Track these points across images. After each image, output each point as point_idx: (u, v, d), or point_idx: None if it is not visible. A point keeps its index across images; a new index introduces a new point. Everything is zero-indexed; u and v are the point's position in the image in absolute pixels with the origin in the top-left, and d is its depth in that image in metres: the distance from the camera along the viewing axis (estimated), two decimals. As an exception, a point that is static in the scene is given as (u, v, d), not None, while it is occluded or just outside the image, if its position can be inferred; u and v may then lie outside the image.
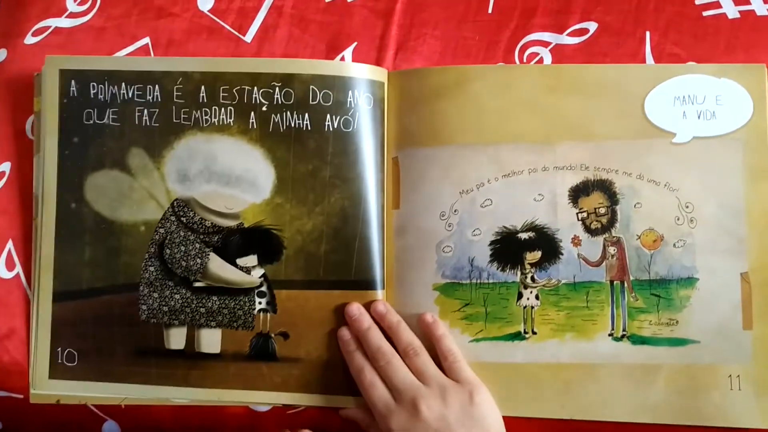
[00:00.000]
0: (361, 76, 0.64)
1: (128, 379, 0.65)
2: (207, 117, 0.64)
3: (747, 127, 0.63)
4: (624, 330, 0.63)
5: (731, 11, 0.67)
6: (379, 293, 0.64)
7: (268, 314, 0.65)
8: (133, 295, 0.64)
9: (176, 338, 0.65)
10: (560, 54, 0.67)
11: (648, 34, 0.67)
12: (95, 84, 0.65)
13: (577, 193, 0.64)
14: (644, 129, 0.63)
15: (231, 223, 0.65)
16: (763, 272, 0.62)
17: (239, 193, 0.64)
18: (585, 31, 0.68)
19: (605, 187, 0.64)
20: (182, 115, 0.65)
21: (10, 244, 0.67)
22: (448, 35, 0.69)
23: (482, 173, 0.64)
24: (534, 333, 0.63)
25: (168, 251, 0.65)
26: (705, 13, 0.67)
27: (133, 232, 0.65)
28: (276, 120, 0.64)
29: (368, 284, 0.64)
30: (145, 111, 0.65)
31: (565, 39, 0.68)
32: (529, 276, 0.64)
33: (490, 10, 0.69)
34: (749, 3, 0.67)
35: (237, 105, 0.64)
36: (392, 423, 0.58)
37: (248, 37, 0.69)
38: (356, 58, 0.68)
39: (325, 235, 0.64)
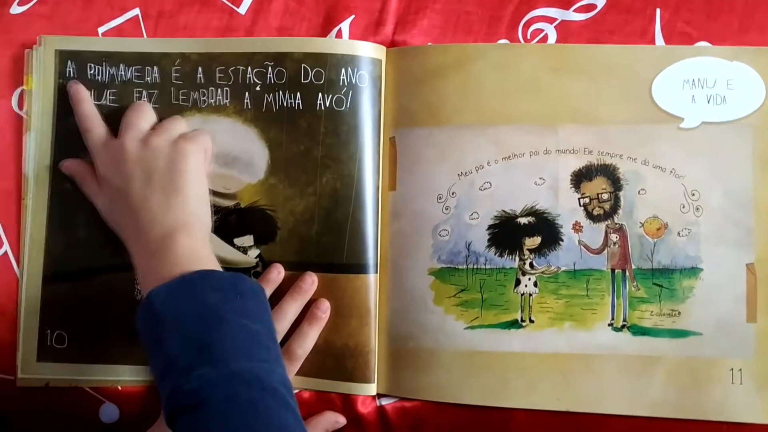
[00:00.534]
0: (355, 53, 0.63)
1: (122, 361, 0.64)
2: (204, 98, 0.64)
3: (758, 113, 0.61)
4: (624, 320, 0.61)
5: (746, -11, 0.65)
6: (371, 277, 0.63)
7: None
8: (128, 274, 0.63)
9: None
10: (566, 31, 0.65)
11: (658, 11, 0.65)
12: (92, 65, 0.64)
13: (580, 178, 0.62)
14: (651, 113, 0.61)
15: (228, 203, 0.64)
16: (770, 263, 0.60)
17: (236, 174, 0.64)
18: (593, 7, 0.65)
19: (609, 172, 0.62)
20: (181, 96, 0.64)
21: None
22: (449, 9, 0.66)
23: (482, 155, 0.63)
24: (531, 321, 0.62)
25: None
26: (718, -9, 0.65)
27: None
28: (269, 100, 0.64)
29: (359, 268, 0.63)
30: (144, 92, 0.64)
31: (572, 15, 0.65)
32: (527, 262, 0.62)
33: (493, -16, 0.67)
34: (766, -19, 0.64)
35: (232, 85, 0.64)
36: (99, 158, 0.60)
37: (242, 9, 0.66)
38: (353, 31, 0.66)
39: (317, 216, 0.63)
